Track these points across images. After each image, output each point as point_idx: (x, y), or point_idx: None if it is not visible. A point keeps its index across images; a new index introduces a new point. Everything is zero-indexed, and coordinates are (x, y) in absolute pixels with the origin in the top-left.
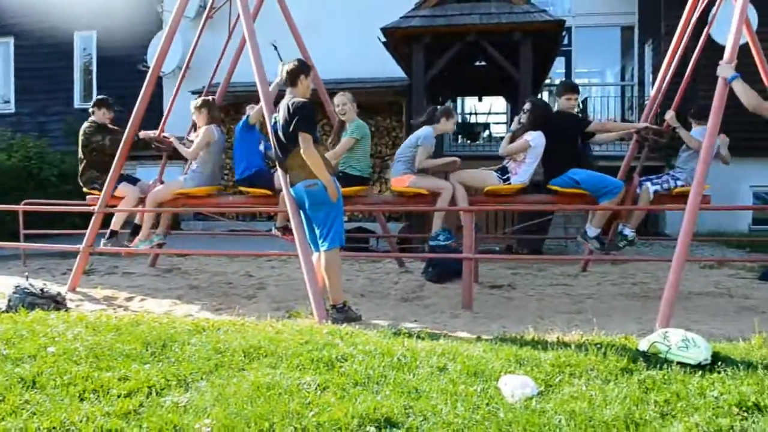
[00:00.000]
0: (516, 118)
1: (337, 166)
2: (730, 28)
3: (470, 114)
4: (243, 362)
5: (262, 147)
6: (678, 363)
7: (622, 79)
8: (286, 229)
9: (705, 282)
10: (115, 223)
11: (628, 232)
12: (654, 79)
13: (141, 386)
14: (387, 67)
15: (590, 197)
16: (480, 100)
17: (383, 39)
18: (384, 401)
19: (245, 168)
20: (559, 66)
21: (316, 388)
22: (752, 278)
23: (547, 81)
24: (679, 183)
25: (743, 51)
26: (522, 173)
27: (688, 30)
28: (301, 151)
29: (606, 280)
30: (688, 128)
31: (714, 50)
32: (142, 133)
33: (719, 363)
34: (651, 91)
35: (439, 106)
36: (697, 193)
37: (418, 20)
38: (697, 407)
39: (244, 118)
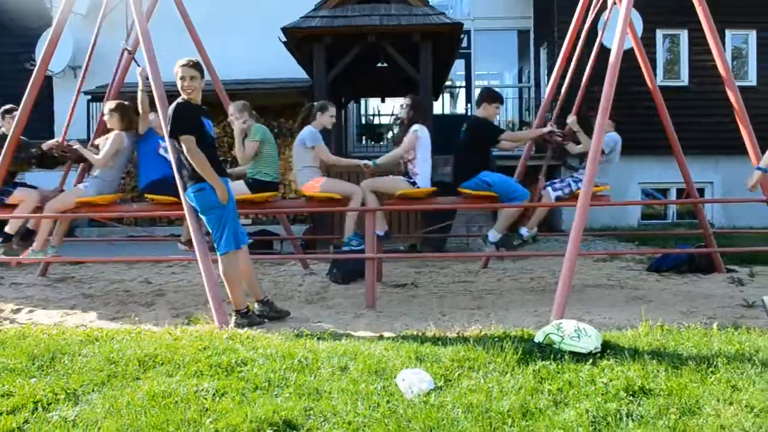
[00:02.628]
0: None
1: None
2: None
3: (373, 115)
4: (138, 372)
5: (163, 152)
6: (570, 352)
7: (520, 81)
8: (190, 243)
9: (598, 274)
10: (11, 228)
11: (525, 232)
12: (549, 81)
13: (26, 401)
14: (289, 68)
15: (497, 199)
16: (383, 101)
17: (284, 39)
18: (284, 404)
19: (148, 174)
20: (459, 68)
21: (214, 395)
22: (641, 270)
23: (448, 83)
24: (579, 185)
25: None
26: (422, 175)
27: (583, 35)
28: (185, 153)
29: (506, 275)
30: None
31: (603, 52)
32: (45, 144)
33: (609, 351)
34: (545, 93)
35: (314, 104)
36: (587, 191)
37: (318, 20)
38: (587, 394)
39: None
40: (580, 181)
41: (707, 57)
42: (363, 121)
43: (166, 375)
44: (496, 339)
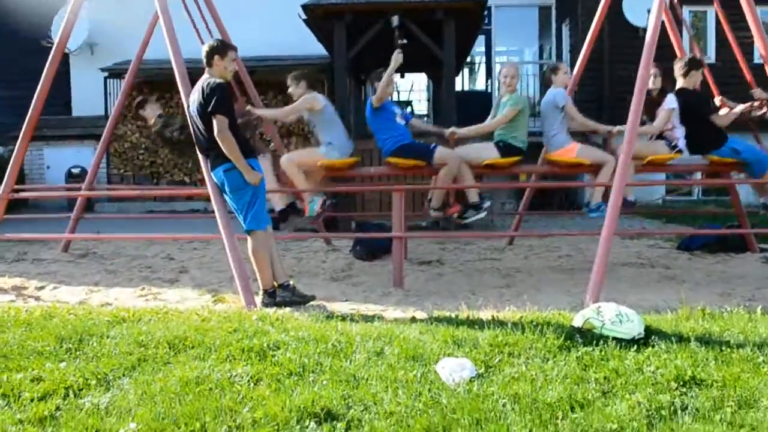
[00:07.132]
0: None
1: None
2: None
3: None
4: (168, 355)
5: (400, 120)
6: (613, 338)
7: (540, 58)
8: (444, 206)
9: (627, 253)
10: None
11: None
12: (571, 58)
13: (57, 387)
14: (308, 44)
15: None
16: (402, 77)
17: (304, 16)
18: (322, 392)
19: (394, 140)
20: (479, 44)
21: (248, 381)
22: (671, 248)
23: (468, 60)
24: None
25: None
26: (682, 139)
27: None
28: (215, 134)
29: (532, 253)
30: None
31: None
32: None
33: (652, 337)
34: (573, 71)
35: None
36: (624, 167)
37: None
38: (636, 384)
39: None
40: None
41: (735, 33)
42: None
43: (198, 359)
44: (534, 323)
